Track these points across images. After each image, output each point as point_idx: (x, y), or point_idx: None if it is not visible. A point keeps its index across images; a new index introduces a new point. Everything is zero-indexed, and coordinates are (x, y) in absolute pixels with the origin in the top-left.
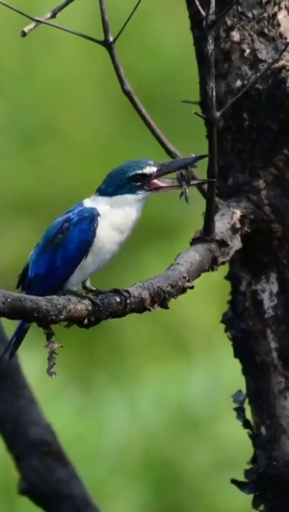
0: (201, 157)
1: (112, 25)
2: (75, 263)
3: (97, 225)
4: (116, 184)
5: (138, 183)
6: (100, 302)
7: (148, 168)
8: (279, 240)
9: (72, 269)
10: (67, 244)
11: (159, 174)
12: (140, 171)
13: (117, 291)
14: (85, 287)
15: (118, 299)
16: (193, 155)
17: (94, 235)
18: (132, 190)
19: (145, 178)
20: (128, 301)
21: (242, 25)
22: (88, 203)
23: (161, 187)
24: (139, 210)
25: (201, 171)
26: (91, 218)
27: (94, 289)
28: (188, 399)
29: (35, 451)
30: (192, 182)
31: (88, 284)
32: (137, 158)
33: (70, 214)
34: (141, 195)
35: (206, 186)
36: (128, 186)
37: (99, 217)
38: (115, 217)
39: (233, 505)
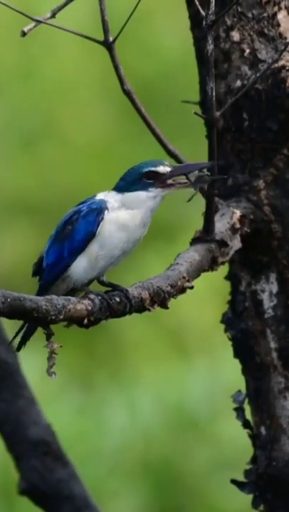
0: (213, 164)
1: (112, 25)
2: (78, 252)
3: (102, 218)
4: (129, 181)
5: (150, 181)
6: (100, 302)
7: (162, 167)
8: (279, 240)
9: (74, 258)
10: (74, 235)
11: (172, 175)
12: (154, 168)
13: (121, 291)
14: (101, 282)
15: (118, 299)
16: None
17: (98, 226)
18: (144, 187)
19: (158, 176)
20: (128, 306)
21: (242, 25)
22: (101, 196)
23: (174, 185)
24: (149, 209)
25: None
26: (99, 211)
27: (107, 282)
28: (188, 399)
29: (35, 451)
30: (203, 183)
31: (103, 279)
32: (150, 158)
33: (81, 206)
34: (152, 192)
35: (206, 186)
36: (140, 183)
37: (106, 211)
38: (123, 214)
39: (233, 505)
